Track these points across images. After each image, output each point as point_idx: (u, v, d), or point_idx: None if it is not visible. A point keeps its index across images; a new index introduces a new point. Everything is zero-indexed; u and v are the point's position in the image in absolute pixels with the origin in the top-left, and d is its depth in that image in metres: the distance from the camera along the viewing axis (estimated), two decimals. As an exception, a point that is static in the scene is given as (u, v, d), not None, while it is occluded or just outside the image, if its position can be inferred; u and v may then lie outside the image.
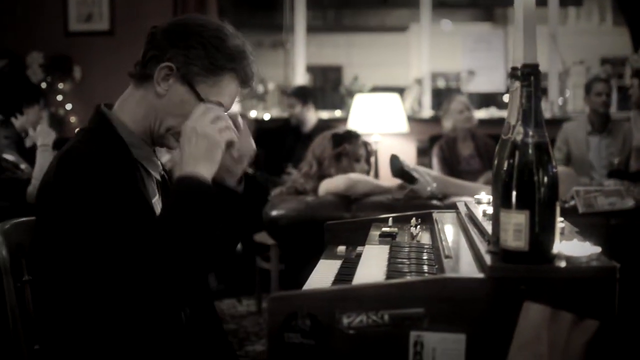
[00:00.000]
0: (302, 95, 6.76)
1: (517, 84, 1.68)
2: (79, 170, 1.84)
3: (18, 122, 5.18)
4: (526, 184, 1.58)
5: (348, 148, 4.46)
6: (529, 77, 1.61)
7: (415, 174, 4.04)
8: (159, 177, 2.13)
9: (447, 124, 6.39)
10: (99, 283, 1.82)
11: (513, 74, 1.77)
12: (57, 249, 1.87)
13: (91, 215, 1.81)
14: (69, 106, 7.23)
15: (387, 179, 5.39)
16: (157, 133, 2.03)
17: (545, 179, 1.57)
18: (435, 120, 7.21)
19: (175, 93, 1.98)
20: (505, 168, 1.61)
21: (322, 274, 2.20)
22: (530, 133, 1.59)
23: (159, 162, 2.14)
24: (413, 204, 3.83)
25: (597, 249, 1.62)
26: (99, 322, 1.87)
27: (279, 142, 6.69)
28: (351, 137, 4.52)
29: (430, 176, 4.14)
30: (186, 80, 1.97)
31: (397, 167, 4.09)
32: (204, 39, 1.97)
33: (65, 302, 1.90)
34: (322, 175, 4.39)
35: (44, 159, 3.93)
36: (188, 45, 1.96)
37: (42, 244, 1.92)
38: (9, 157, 4.35)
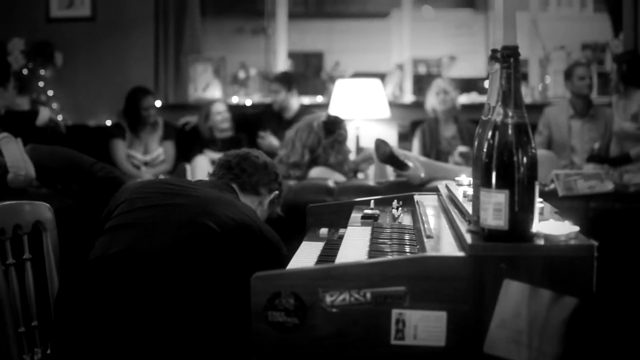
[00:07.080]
0: (286, 81, 6.75)
1: (497, 66, 1.70)
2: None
3: None
4: (506, 164, 1.60)
5: (343, 133, 4.46)
6: (508, 58, 1.63)
7: (406, 161, 3.98)
8: None
9: (427, 107, 6.47)
10: None
11: (493, 56, 1.79)
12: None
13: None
14: (50, 92, 7.18)
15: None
16: None
17: (525, 159, 1.60)
18: (417, 105, 7.23)
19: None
20: (485, 148, 1.64)
21: (305, 255, 2.23)
22: (510, 114, 1.61)
23: None
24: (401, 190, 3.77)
25: (576, 228, 1.65)
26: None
27: (261, 128, 6.67)
28: (341, 122, 4.51)
29: (419, 162, 4.09)
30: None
31: (386, 153, 4.01)
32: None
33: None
34: (312, 163, 4.38)
35: (10, 149, 3.91)
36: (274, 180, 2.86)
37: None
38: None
